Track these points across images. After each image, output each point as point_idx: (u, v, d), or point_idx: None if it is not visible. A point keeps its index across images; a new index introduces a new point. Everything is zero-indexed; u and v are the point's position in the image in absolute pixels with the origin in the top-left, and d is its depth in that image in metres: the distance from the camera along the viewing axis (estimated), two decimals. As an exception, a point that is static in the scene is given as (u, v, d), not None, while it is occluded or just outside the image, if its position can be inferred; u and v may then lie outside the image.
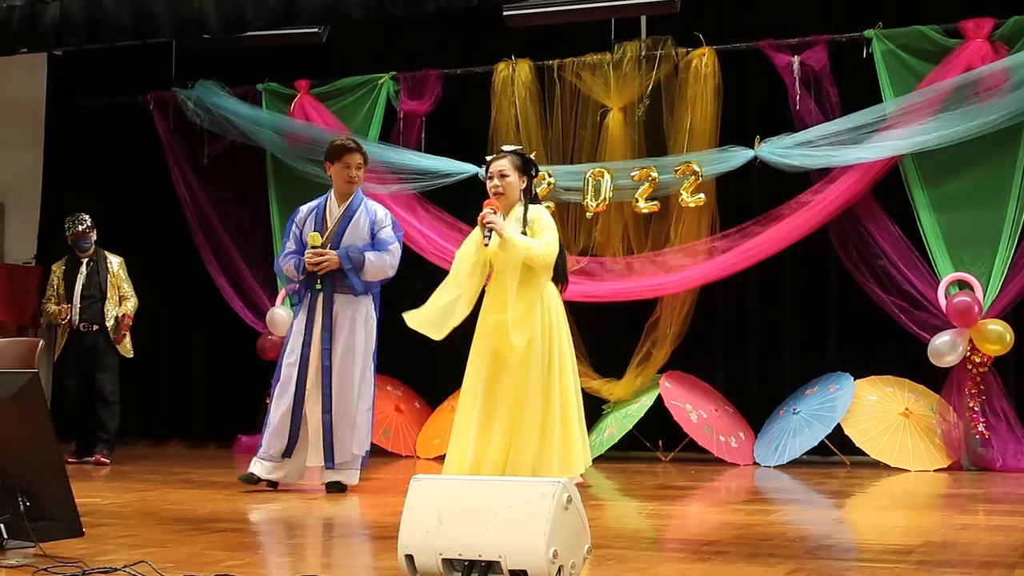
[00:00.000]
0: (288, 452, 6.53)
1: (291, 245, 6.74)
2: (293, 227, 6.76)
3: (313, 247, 6.53)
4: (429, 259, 8.99)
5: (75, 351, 8.74)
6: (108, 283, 8.81)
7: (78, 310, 8.71)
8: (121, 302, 8.78)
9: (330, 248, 6.56)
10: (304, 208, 6.81)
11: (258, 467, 6.57)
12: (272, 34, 8.87)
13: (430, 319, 6.10)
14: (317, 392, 6.52)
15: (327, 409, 6.48)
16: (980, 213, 8.16)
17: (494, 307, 6.09)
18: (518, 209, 6.20)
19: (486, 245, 5.97)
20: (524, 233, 6.08)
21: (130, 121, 10.21)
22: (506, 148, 6.40)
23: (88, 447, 8.66)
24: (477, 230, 6.11)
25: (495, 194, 6.18)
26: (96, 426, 8.71)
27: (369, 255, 6.55)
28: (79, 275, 8.79)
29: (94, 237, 8.88)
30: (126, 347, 8.83)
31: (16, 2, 8.80)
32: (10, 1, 8.82)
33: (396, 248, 6.66)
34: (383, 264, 6.60)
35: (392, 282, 6.66)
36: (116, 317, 8.70)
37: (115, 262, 8.91)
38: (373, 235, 6.64)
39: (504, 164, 6.19)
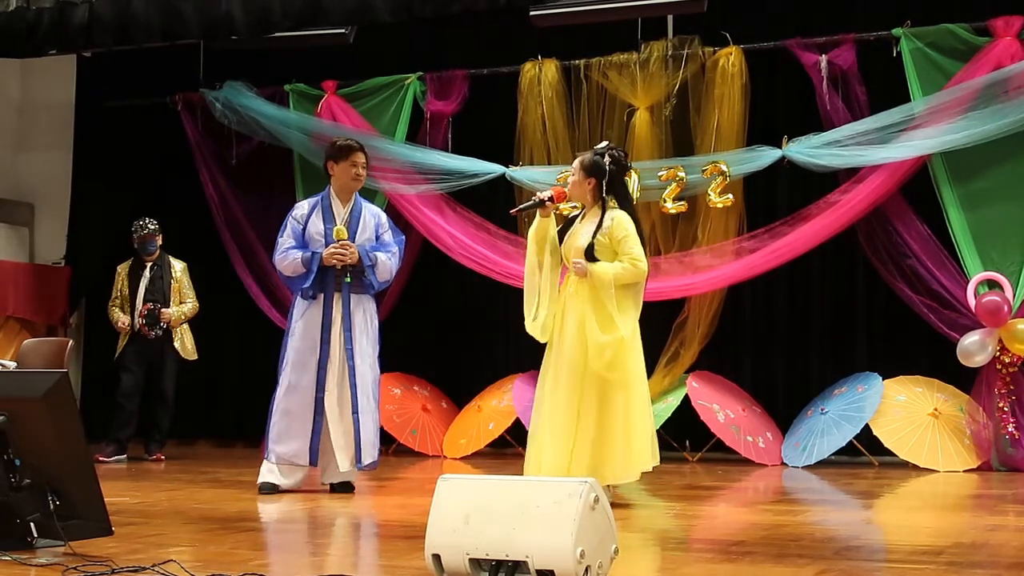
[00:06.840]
0: (313, 459, 6.40)
1: (289, 240, 6.53)
2: (291, 222, 6.57)
3: (340, 240, 6.42)
4: (456, 259, 9.01)
5: (135, 352, 8.89)
6: (171, 288, 8.90)
7: (140, 313, 8.82)
8: (181, 306, 8.93)
9: None
10: (304, 204, 6.68)
11: (274, 476, 6.42)
12: (299, 35, 8.90)
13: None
14: (343, 392, 6.41)
15: (355, 409, 6.39)
16: (1010, 212, 8.12)
17: (585, 323, 5.74)
18: (594, 212, 5.91)
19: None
20: (593, 240, 5.76)
21: (159, 122, 10.26)
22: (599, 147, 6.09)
23: (144, 445, 8.95)
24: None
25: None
26: (150, 425, 8.97)
27: (380, 254, 6.53)
28: (143, 279, 8.92)
29: (159, 241, 9.00)
30: (188, 349, 8.99)
31: (45, 4, 8.87)
32: (39, 3, 8.88)
33: (398, 252, 6.66)
34: (391, 265, 6.59)
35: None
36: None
37: (179, 267, 9.04)
38: (377, 236, 6.62)
39: (574, 164, 6.00)
